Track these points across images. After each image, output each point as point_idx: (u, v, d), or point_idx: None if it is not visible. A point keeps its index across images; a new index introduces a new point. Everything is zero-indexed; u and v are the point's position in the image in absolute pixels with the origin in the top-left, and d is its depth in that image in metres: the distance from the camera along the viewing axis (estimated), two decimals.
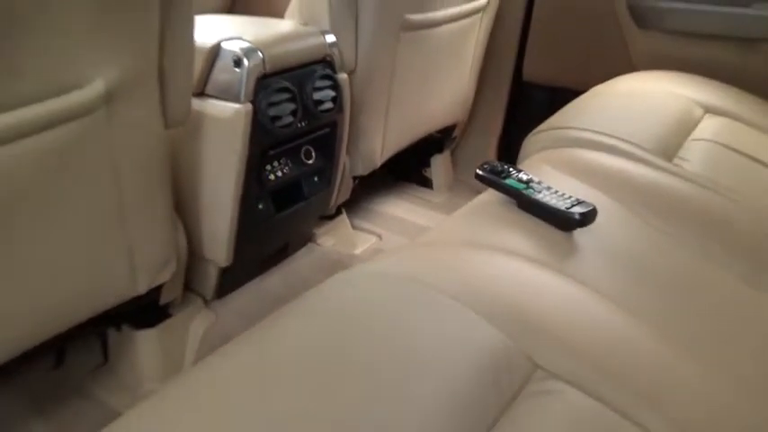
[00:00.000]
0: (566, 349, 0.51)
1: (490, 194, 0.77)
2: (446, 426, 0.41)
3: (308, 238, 1.26)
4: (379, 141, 1.24)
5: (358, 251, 1.33)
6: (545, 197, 0.71)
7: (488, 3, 1.40)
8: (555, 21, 1.53)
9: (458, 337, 0.50)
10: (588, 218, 0.69)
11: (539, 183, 0.74)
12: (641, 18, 1.42)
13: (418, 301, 0.54)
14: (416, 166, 1.69)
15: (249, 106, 0.86)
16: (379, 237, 1.43)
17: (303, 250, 1.25)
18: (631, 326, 0.57)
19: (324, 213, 1.24)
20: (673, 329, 0.60)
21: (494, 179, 0.74)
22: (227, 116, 0.85)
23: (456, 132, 1.65)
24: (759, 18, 1.29)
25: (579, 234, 0.70)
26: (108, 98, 0.67)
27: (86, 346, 1.06)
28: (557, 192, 0.72)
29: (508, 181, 0.74)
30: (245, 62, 0.84)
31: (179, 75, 0.75)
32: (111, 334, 1.02)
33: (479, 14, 1.39)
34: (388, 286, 0.57)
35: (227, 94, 0.86)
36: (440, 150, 1.67)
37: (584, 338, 0.53)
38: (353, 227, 1.40)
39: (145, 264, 0.83)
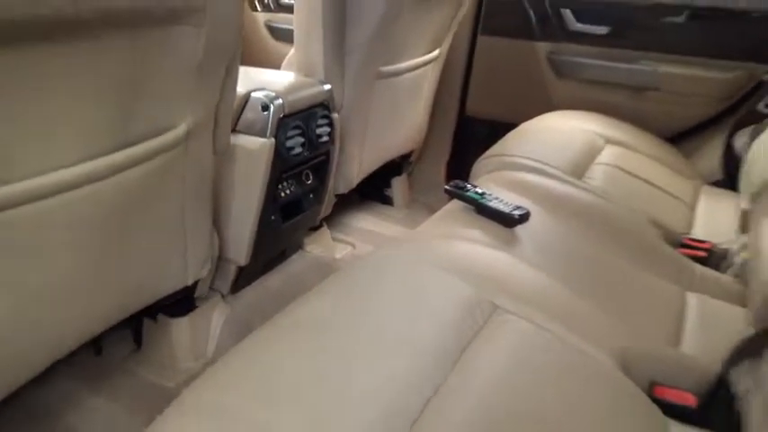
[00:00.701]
0: (515, 296, 0.81)
1: (454, 204, 1.08)
2: (436, 344, 0.68)
3: (299, 245, 1.52)
4: (357, 165, 1.53)
5: (338, 256, 1.61)
6: (494, 204, 1.02)
7: (438, 54, 1.73)
8: (492, 68, 1.88)
9: (445, 291, 0.79)
10: (524, 218, 1.01)
11: (489, 195, 1.05)
12: (558, 69, 1.79)
13: (417, 272, 0.82)
14: (380, 186, 1.98)
15: (272, 140, 1.13)
16: (353, 245, 1.70)
17: (296, 255, 1.51)
18: (555, 284, 0.88)
19: (313, 225, 1.51)
20: (581, 288, 0.92)
21: (458, 192, 1.05)
22: (255, 148, 1.12)
23: (412, 158, 1.96)
24: (646, 72, 1.68)
25: (518, 229, 1.01)
26: (186, 137, 0.92)
27: (118, 336, 1.27)
28: (502, 201, 1.03)
29: (468, 194, 1.05)
30: (271, 107, 1.11)
31: (226, 116, 1.02)
32: (147, 323, 1.24)
33: (432, 64, 1.71)
34: (396, 265, 0.85)
35: (255, 131, 1.13)
36: (399, 173, 1.98)
37: (526, 290, 0.84)
38: (333, 237, 1.68)
39: (193, 261, 1.07)
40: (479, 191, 1.06)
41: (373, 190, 1.99)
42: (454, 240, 0.94)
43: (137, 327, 1.26)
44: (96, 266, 0.87)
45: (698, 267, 1.09)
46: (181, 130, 0.91)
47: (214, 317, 1.28)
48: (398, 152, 1.80)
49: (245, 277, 1.33)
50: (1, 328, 0.77)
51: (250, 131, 1.13)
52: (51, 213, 0.76)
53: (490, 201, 1.03)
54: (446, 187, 1.07)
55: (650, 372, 0.78)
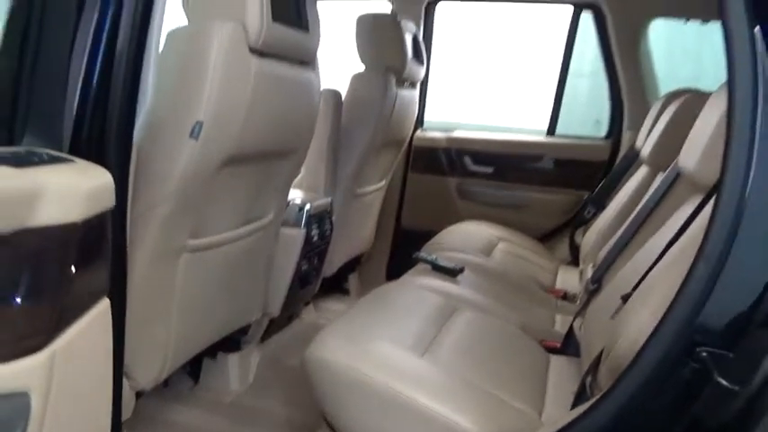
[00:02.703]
0: (463, 302, 1.51)
1: (420, 267, 1.79)
2: (419, 330, 1.35)
3: (300, 311, 2.13)
4: (337, 255, 2.21)
5: (322, 322, 2.21)
6: (443, 263, 1.75)
7: (384, 184, 2.51)
8: (418, 194, 2.70)
9: (426, 301, 1.48)
10: (461, 271, 1.74)
11: (439, 260, 1.78)
12: (463, 195, 2.65)
13: (410, 291, 1.51)
14: (339, 281, 2.63)
15: (304, 230, 1.80)
16: (329, 319, 2.32)
17: (296, 320, 2.11)
18: (483, 299, 1.60)
19: (311, 296, 2.13)
20: (498, 301, 1.64)
21: (424, 257, 1.77)
22: (293, 234, 1.78)
23: (362, 259, 2.66)
24: (519, 196, 2.57)
25: (459, 278, 1.73)
26: (272, 221, 1.58)
27: (177, 376, 1.77)
28: (447, 263, 1.76)
29: (429, 258, 1.77)
30: (305, 211, 1.79)
31: (283, 212, 1.68)
32: (206, 362, 1.76)
33: (379, 191, 2.49)
34: (400, 288, 1.53)
35: (293, 224, 1.79)
36: (353, 271, 2.65)
37: (468, 299, 1.54)
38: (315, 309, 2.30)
39: (261, 302, 1.66)
40: (434, 257, 1.78)
41: (334, 284, 2.64)
42: (425, 283, 1.64)
43: (195, 366, 1.77)
44: (230, 291, 1.47)
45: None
46: (271, 216, 1.56)
47: (253, 355, 1.83)
48: (359, 251, 2.50)
49: (272, 327, 1.90)
50: (183, 331, 1.33)
51: (290, 224, 1.80)
52: (217, 257, 1.38)
53: (441, 262, 1.76)
54: (414, 255, 1.78)
55: (539, 335, 1.49)
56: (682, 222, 1.04)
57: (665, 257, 0.99)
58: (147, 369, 1.26)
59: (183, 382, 1.73)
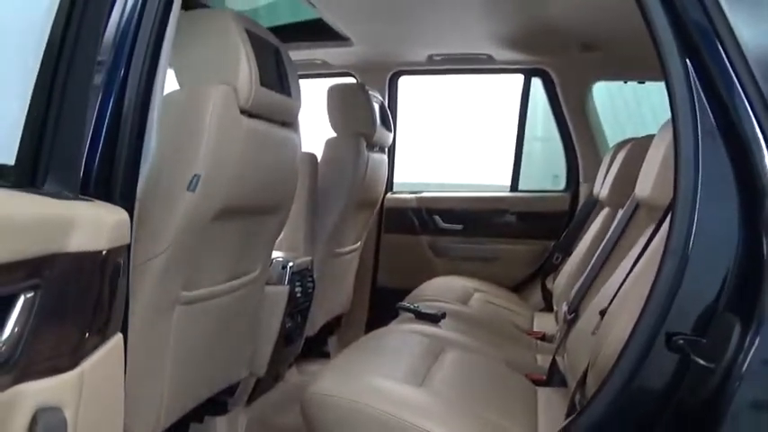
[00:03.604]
0: (449, 344, 1.56)
1: (403, 316, 1.84)
2: (412, 366, 1.40)
3: (284, 372, 2.12)
4: (320, 314, 2.23)
5: (306, 384, 2.20)
6: (426, 311, 1.81)
7: (359, 245, 2.59)
8: (393, 253, 2.78)
9: (414, 342, 1.53)
10: (443, 317, 1.80)
11: (422, 308, 1.84)
12: (435, 251, 2.74)
13: (399, 334, 1.56)
14: (319, 345, 2.63)
15: (288, 287, 1.84)
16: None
17: (281, 382, 2.10)
18: (466, 340, 1.66)
19: (294, 356, 2.13)
20: (480, 341, 1.69)
21: (406, 306, 1.82)
22: (278, 291, 1.82)
23: (342, 320, 2.69)
24: (488, 249, 2.68)
25: (441, 323, 1.79)
26: (259, 277, 1.62)
27: None
28: (429, 311, 1.82)
29: (412, 306, 1.82)
30: (288, 269, 1.84)
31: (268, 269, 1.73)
32: (193, 426, 1.73)
33: (355, 252, 2.56)
34: (390, 333, 1.58)
35: (276, 281, 1.83)
36: (332, 333, 2.67)
37: (453, 341, 1.60)
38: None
39: (247, 358, 1.67)
40: (417, 305, 1.85)
41: (314, 347, 2.64)
42: (411, 325, 1.70)
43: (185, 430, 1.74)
44: (221, 345, 1.48)
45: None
46: (257, 271, 1.61)
47: (240, 417, 1.81)
48: (338, 312, 2.53)
49: (258, 389, 1.89)
50: (176, 386, 1.34)
51: (274, 282, 1.84)
52: (208, 310, 1.41)
53: (423, 309, 1.82)
54: (398, 305, 1.84)
55: (523, 371, 1.55)
56: (644, 242, 1.15)
57: (634, 270, 1.08)
58: (144, 421, 1.25)
59: None
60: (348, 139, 2.23)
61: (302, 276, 1.96)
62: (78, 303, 0.70)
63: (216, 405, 1.69)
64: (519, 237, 2.65)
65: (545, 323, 2.19)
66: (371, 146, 2.34)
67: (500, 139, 3.01)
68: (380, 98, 2.45)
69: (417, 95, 3.07)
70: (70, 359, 0.68)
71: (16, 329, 0.59)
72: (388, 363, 1.32)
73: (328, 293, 2.31)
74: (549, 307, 2.41)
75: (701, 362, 0.75)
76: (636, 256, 1.15)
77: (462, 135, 3.39)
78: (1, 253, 0.56)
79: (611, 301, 1.10)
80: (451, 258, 2.73)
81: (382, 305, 2.79)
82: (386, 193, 2.77)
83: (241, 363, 1.66)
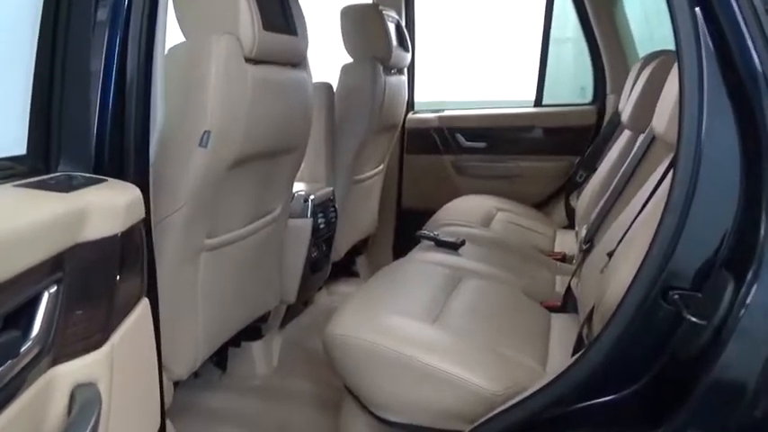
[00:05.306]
0: (467, 272, 1.61)
1: (423, 244, 1.89)
2: (428, 300, 1.46)
3: (313, 296, 2.24)
4: (344, 241, 2.31)
5: (335, 305, 2.32)
6: (445, 238, 1.85)
7: (383, 168, 2.60)
8: (416, 175, 2.79)
9: (432, 274, 1.58)
10: (462, 244, 1.84)
11: (441, 237, 1.88)
12: (459, 171, 2.74)
13: (419, 265, 1.62)
14: (348, 265, 2.73)
15: (311, 220, 1.89)
16: (341, 302, 2.43)
17: (311, 306, 2.22)
18: (485, 267, 1.70)
19: (323, 281, 2.24)
20: (498, 266, 1.74)
21: (426, 234, 1.87)
22: (301, 225, 1.88)
23: (369, 241, 2.77)
24: (512, 167, 2.66)
25: (461, 251, 1.83)
26: (281, 214, 1.67)
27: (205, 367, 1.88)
28: (449, 238, 1.86)
29: (432, 234, 1.87)
30: (310, 202, 1.89)
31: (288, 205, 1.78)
32: (231, 350, 1.87)
33: (379, 175, 2.58)
34: (410, 263, 1.64)
35: (299, 215, 1.89)
36: (360, 254, 2.76)
37: (471, 269, 1.65)
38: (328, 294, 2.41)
39: (278, 288, 1.77)
40: (436, 233, 1.89)
41: (344, 268, 2.74)
42: (430, 254, 1.75)
43: (221, 356, 1.88)
44: (248, 282, 1.57)
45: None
46: (278, 210, 1.66)
47: (275, 340, 1.94)
48: (365, 234, 2.60)
49: (290, 314, 2.01)
50: (209, 324, 1.44)
51: (296, 215, 1.89)
52: (233, 253, 1.48)
53: (443, 237, 1.86)
54: (417, 233, 1.89)
55: (540, 297, 1.60)
56: (657, 181, 1.14)
57: (641, 214, 1.08)
58: (182, 361, 1.37)
59: (212, 372, 1.85)
60: (364, 65, 2.18)
61: (324, 207, 2.01)
62: (101, 286, 0.76)
63: (251, 331, 1.82)
64: (543, 153, 2.61)
65: (566, 242, 2.21)
66: (389, 69, 2.29)
67: (525, 49, 2.88)
68: (396, 17, 2.36)
69: (435, 11, 2.93)
70: (100, 336, 0.74)
71: (45, 322, 0.65)
72: (404, 298, 1.38)
73: (353, 218, 2.37)
74: (572, 224, 2.42)
75: (694, 319, 0.77)
76: (647, 194, 1.14)
77: (485, 47, 3.25)
78: (21, 261, 0.60)
79: (619, 242, 1.11)
80: (475, 177, 2.73)
81: (408, 225, 2.83)
82: (407, 113, 2.73)
83: (271, 294, 1.76)
